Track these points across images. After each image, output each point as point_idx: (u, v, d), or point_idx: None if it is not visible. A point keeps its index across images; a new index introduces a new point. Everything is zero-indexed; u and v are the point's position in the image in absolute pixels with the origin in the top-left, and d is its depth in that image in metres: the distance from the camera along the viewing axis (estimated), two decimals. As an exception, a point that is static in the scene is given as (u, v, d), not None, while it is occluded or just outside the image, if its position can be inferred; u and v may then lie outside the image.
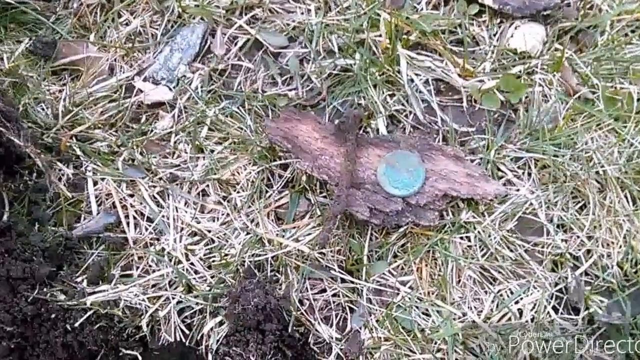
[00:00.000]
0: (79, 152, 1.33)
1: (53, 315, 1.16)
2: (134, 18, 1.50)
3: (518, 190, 1.24)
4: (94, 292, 1.19)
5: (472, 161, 1.26)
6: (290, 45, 1.44)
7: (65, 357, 1.17)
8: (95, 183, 1.31)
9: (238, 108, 1.36)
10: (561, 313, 1.19)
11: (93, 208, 1.29)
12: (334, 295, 1.21)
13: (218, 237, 1.25)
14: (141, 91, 1.39)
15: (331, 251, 1.22)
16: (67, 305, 1.17)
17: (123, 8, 1.50)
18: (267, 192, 1.28)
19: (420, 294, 1.20)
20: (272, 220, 1.27)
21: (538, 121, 1.28)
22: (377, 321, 1.19)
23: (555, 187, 1.24)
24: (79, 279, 1.21)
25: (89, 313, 1.17)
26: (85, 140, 1.35)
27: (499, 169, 1.26)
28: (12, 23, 1.50)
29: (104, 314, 1.17)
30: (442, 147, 1.26)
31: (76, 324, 1.16)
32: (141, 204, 1.28)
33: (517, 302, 1.18)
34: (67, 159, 1.33)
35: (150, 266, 1.24)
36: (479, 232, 1.21)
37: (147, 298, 1.20)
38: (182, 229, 1.26)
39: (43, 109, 1.38)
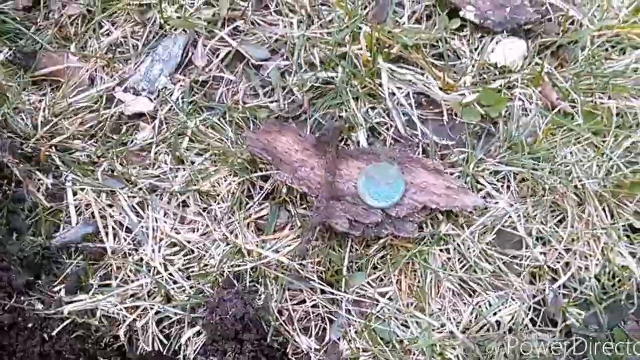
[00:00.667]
0: (58, 162, 1.35)
1: (30, 324, 1.18)
2: (115, 29, 1.52)
3: (497, 203, 1.28)
4: (72, 302, 1.22)
5: (451, 174, 1.30)
6: (272, 57, 1.46)
7: (42, 367, 1.20)
8: (74, 193, 1.33)
9: (219, 119, 1.39)
10: (539, 325, 1.22)
11: (72, 218, 1.31)
12: (313, 306, 1.24)
13: (197, 248, 1.28)
14: (122, 102, 1.42)
15: (311, 262, 1.25)
16: (45, 314, 1.19)
17: (104, 19, 1.53)
18: (247, 203, 1.31)
19: (399, 305, 1.23)
20: (252, 231, 1.30)
21: (517, 135, 1.32)
22: (355, 332, 1.22)
23: (534, 201, 1.28)
24: (56, 289, 1.23)
25: (66, 322, 1.20)
26: (65, 150, 1.37)
27: (478, 182, 1.30)
28: (-9, 33, 1.53)
29: (82, 323, 1.20)
30: (422, 160, 1.29)
31: (53, 333, 1.18)
32: (120, 214, 1.31)
33: (495, 314, 1.21)
34: (46, 168, 1.35)
35: (128, 276, 1.26)
36: (458, 244, 1.25)
37: (125, 308, 1.22)
38: (161, 239, 1.29)
39: (22, 119, 1.40)
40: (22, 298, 1.20)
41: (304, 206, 1.30)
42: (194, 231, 1.30)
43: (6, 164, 1.28)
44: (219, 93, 1.44)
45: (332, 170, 1.25)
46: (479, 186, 1.30)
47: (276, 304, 1.22)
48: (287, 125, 1.34)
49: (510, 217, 1.27)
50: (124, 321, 1.21)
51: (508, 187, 1.30)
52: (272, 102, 1.42)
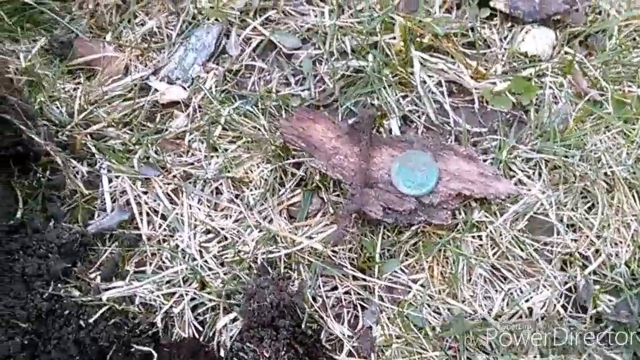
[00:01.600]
0: (93, 150, 1.28)
1: (67, 312, 1.11)
2: (150, 19, 1.45)
3: (529, 190, 1.20)
4: (109, 289, 1.14)
5: (484, 161, 1.22)
6: (303, 46, 1.40)
7: (76, 354, 1.12)
8: (109, 180, 1.26)
9: (252, 107, 1.32)
10: (570, 311, 1.14)
11: (107, 205, 1.23)
12: (345, 292, 1.16)
13: (231, 235, 1.20)
14: (156, 90, 1.35)
15: (343, 249, 1.17)
16: (82, 301, 1.12)
17: (139, 9, 1.46)
18: (279, 190, 1.24)
19: (432, 292, 1.15)
20: (285, 218, 1.22)
21: (548, 122, 1.24)
22: (388, 319, 1.14)
23: (565, 188, 1.20)
24: (92, 275, 1.16)
25: (103, 309, 1.12)
26: (100, 138, 1.30)
27: (510, 169, 1.22)
28: (28, 23, 1.45)
29: (119, 310, 1.12)
30: (455, 147, 1.21)
31: (90, 320, 1.11)
32: (155, 201, 1.23)
33: (527, 301, 1.13)
34: (82, 156, 1.28)
35: (163, 262, 1.18)
36: (490, 231, 1.17)
37: (162, 294, 1.14)
38: (195, 226, 1.21)
39: (58, 107, 1.33)
40: (59, 285, 1.13)
41: (337, 193, 1.22)
42: (227, 218, 1.22)
43: (44, 151, 1.20)
44: (251, 81, 1.37)
45: (365, 157, 1.17)
46: (511, 173, 1.22)
47: (310, 291, 1.14)
48: (321, 113, 1.27)
49: (542, 204, 1.19)
50: (161, 308, 1.13)
51: (540, 174, 1.22)
52: (303, 90, 1.34)
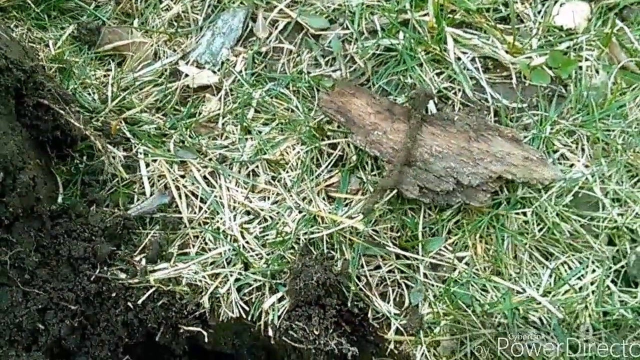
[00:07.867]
0: (128, 135, 1.31)
1: (114, 294, 1.14)
2: (175, 4, 1.48)
3: (572, 165, 1.22)
4: (155, 270, 1.18)
5: (524, 138, 1.23)
6: (331, 26, 1.42)
7: (124, 335, 1.16)
8: (147, 165, 1.29)
9: (283, 89, 1.35)
10: (619, 286, 1.16)
11: (146, 189, 1.27)
12: (389, 271, 1.19)
13: (271, 216, 1.23)
14: (187, 75, 1.38)
15: (384, 228, 1.20)
16: (129, 283, 1.15)
17: (164, -6, 1.49)
18: (316, 171, 1.26)
19: (477, 269, 1.17)
20: (323, 199, 1.25)
21: (588, 96, 1.26)
22: (434, 296, 1.16)
23: (609, 161, 1.22)
24: (137, 258, 1.19)
25: (150, 291, 1.15)
26: (134, 123, 1.33)
27: (553, 144, 1.24)
28: (54, 11, 1.48)
29: (166, 291, 1.15)
30: (499, 128, 1.22)
31: (139, 302, 1.14)
32: (193, 184, 1.27)
33: (579, 279, 1.15)
34: (117, 141, 1.31)
35: (206, 244, 1.22)
36: (535, 207, 1.19)
37: (207, 275, 1.18)
38: (234, 208, 1.24)
39: (90, 94, 1.37)
40: (106, 268, 1.16)
41: (374, 173, 1.24)
42: (265, 200, 1.26)
43: (81, 137, 1.24)
44: (281, 63, 1.40)
45: (413, 136, 1.19)
46: (554, 148, 1.24)
47: (354, 270, 1.17)
48: (362, 88, 1.29)
49: (586, 178, 1.21)
50: (207, 289, 1.17)
51: (582, 148, 1.24)
52: (334, 70, 1.37)
